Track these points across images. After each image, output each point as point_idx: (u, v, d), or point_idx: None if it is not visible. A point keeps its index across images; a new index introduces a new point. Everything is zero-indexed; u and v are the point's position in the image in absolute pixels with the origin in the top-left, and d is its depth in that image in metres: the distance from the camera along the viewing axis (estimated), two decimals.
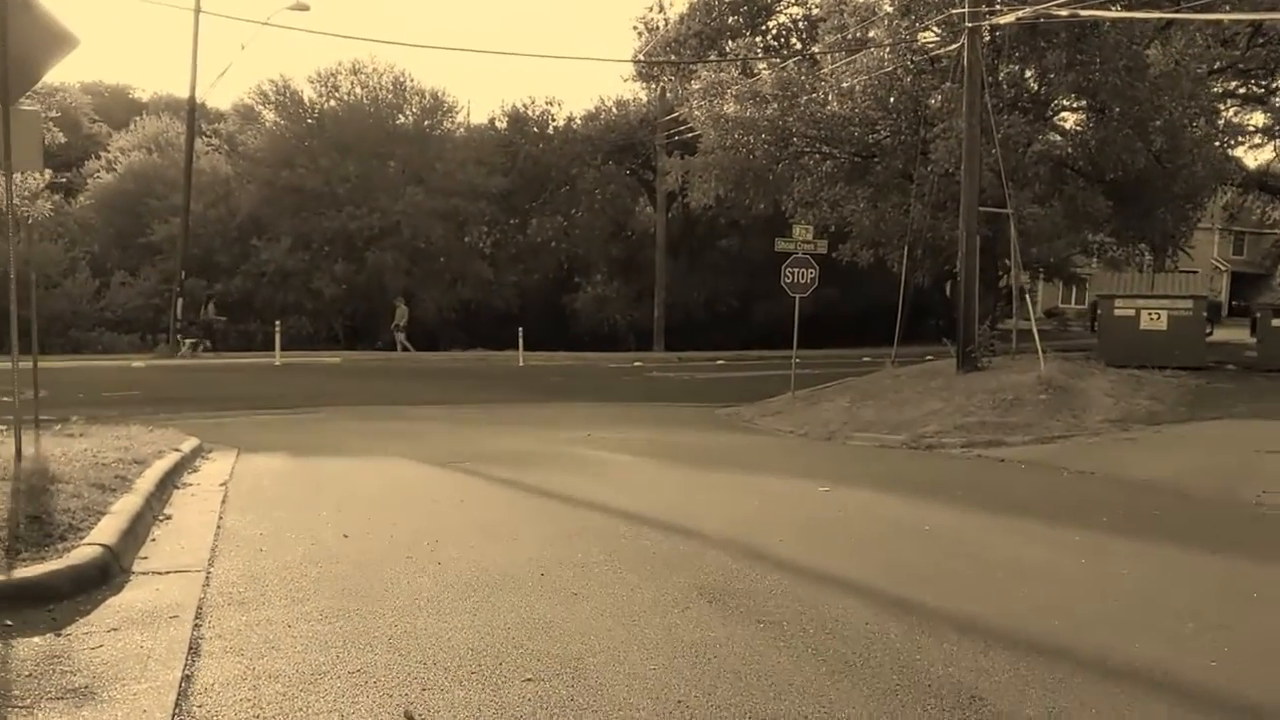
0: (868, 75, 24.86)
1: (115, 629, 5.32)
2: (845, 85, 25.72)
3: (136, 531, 7.38)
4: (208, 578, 6.40)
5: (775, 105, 24.68)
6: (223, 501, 9.02)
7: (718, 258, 40.23)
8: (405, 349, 35.04)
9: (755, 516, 8.68)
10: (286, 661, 4.90)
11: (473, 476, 10.67)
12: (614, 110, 43.63)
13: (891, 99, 24.44)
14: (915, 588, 6.43)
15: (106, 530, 6.90)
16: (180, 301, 31.95)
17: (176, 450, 11.27)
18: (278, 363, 29.55)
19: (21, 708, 4.33)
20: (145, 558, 6.90)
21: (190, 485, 9.94)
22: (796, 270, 20.80)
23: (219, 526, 7.96)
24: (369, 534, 7.71)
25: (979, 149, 19.20)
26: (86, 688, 4.51)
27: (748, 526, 8.19)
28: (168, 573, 6.53)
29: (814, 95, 25.12)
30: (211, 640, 5.20)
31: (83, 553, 6.28)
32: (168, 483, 9.58)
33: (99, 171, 39.90)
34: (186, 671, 4.75)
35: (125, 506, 7.67)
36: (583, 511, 8.75)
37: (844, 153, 26.40)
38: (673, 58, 36.70)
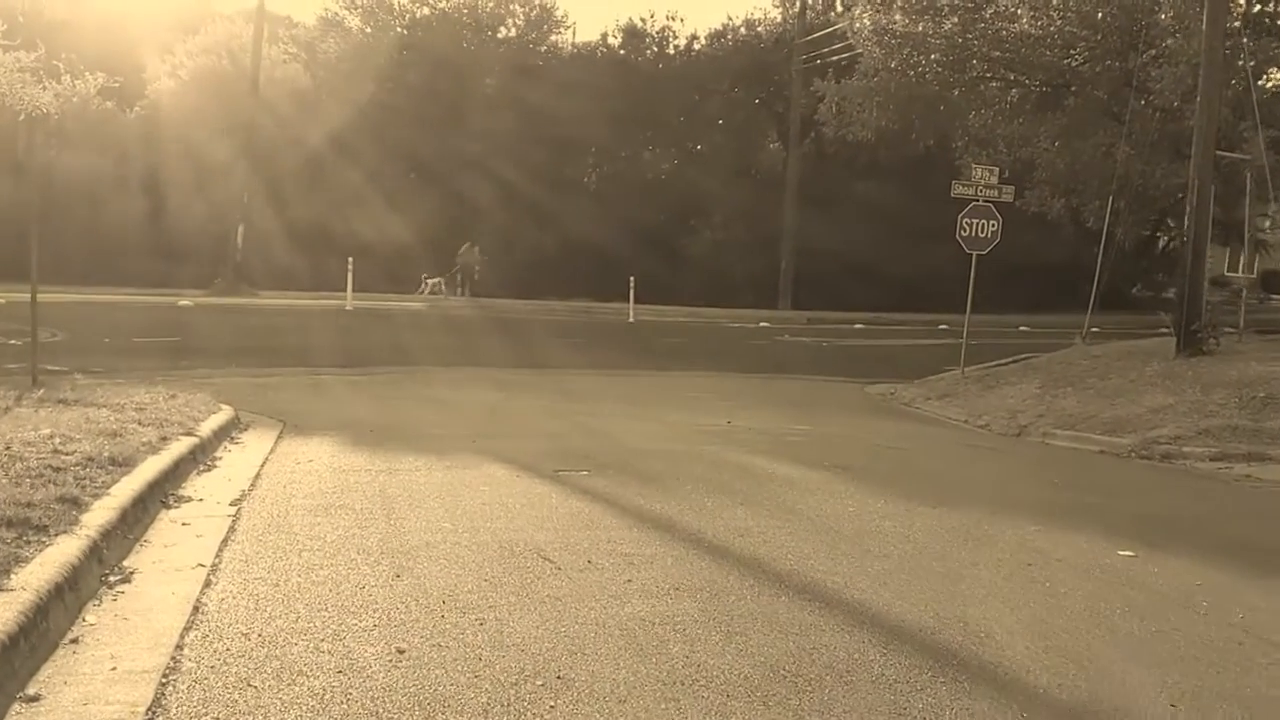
0: None
1: None
2: None
3: (45, 628, 4.26)
4: None
5: (954, 19, 20.68)
6: (224, 542, 5.86)
7: (853, 204, 35.61)
8: (458, 292, 31.90)
9: (1073, 626, 5.17)
10: None
11: (597, 503, 7.34)
12: (742, 30, 38.81)
13: (1100, 14, 20.13)
14: None
15: None
16: (242, 229, 29.00)
17: (190, 434, 8.22)
18: (349, 307, 26.51)
19: None
20: (36, 698, 3.78)
21: (190, 501, 6.84)
22: (976, 221, 17.71)
23: (197, 607, 4.82)
24: (441, 645, 4.45)
25: (1220, 77, 15.58)
26: None
27: (1077, 656, 4.74)
28: None
29: (1001, 8, 20.98)
30: None
31: None
32: (153, 498, 6.49)
33: (160, 78, 36.17)
34: None
35: (37, 576, 4.51)
36: (782, 602, 5.33)
37: (1033, 80, 22.24)
38: None
